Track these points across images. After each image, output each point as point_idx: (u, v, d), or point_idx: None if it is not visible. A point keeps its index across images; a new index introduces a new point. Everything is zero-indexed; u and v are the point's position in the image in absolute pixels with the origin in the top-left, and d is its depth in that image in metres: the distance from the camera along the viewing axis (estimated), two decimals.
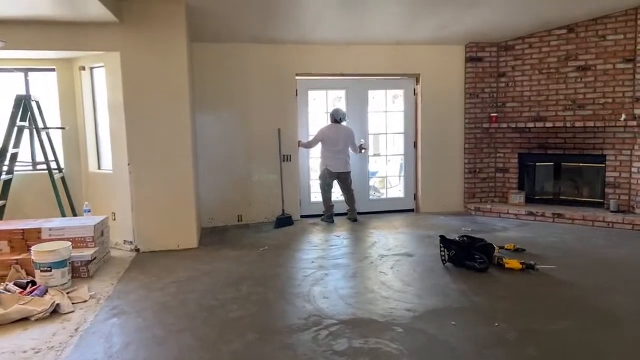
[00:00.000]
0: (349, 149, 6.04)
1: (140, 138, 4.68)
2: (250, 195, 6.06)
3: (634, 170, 5.62)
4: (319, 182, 6.10)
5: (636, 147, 5.57)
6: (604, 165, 5.87)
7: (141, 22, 4.55)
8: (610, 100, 5.74)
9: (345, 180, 6.03)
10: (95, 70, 5.10)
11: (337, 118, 5.96)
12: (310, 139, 6.17)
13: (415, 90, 6.58)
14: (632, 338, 2.73)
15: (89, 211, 4.88)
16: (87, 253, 4.03)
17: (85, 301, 3.45)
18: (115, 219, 4.93)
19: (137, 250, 4.77)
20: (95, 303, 3.43)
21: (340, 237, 5.34)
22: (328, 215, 6.05)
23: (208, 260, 4.46)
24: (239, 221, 6.05)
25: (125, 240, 4.86)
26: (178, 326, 3.00)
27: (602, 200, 5.94)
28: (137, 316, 3.17)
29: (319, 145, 6.03)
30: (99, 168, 5.29)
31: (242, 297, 3.47)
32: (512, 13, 5.49)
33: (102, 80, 4.94)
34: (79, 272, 3.97)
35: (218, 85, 5.83)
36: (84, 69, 5.09)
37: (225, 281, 3.84)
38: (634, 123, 5.48)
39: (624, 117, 5.55)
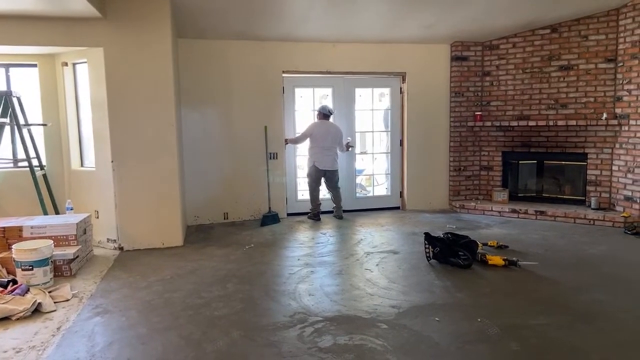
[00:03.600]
0: (337, 148, 6.05)
1: (124, 135, 4.62)
2: (236, 192, 6.04)
3: (614, 168, 5.74)
4: (306, 179, 6.10)
5: (617, 146, 5.69)
6: (585, 163, 5.98)
7: (125, 17, 4.50)
8: (592, 99, 5.85)
9: (331, 178, 6.03)
10: (77, 66, 5.03)
11: (325, 113, 5.98)
12: (297, 135, 6.17)
13: (401, 88, 6.62)
14: (609, 334, 2.78)
15: (71, 209, 4.81)
16: (70, 251, 3.97)
17: (68, 300, 3.41)
18: (98, 217, 4.87)
19: (121, 249, 4.72)
20: (78, 302, 3.39)
21: (326, 234, 5.35)
22: (314, 213, 6.05)
23: (193, 258, 4.44)
24: (224, 219, 6.02)
25: (108, 239, 4.81)
26: (162, 324, 2.98)
27: (583, 198, 6.06)
28: (121, 315, 3.15)
29: (307, 143, 6.03)
30: (82, 165, 5.22)
31: (227, 295, 3.47)
32: (496, 13, 5.55)
33: (84, 76, 4.87)
34: (61, 270, 3.92)
35: (204, 81, 5.79)
36: (66, 64, 5.01)
37: (210, 279, 3.83)
38: (615, 122, 5.59)
39: (605, 115, 5.66)
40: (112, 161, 4.62)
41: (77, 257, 4.05)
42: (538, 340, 2.69)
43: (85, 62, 4.81)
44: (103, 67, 4.52)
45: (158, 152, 4.72)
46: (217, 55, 5.82)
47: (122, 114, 4.60)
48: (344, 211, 6.25)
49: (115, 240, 4.74)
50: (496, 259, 4.01)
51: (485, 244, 4.54)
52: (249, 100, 5.97)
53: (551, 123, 5.96)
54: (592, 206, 5.81)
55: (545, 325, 2.88)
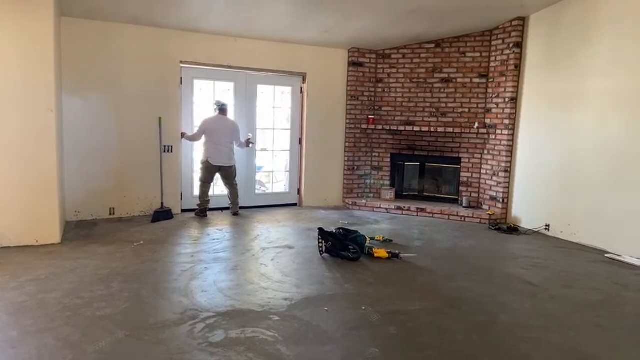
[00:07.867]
0: (234, 144, 5.99)
1: None
2: (125, 186, 5.69)
3: (482, 171, 6.52)
4: (198, 174, 5.95)
5: (485, 152, 6.47)
6: (459, 167, 6.71)
7: None
8: (466, 110, 6.57)
9: (228, 174, 5.96)
10: None
11: (217, 107, 5.89)
12: (195, 130, 5.99)
13: (302, 88, 6.78)
14: (472, 316, 3.19)
15: None
16: None
17: None
18: None
19: None
20: None
21: (222, 230, 5.30)
22: (201, 210, 5.92)
23: (72, 256, 4.11)
24: (110, 214, 5.65)
25: None
26: (36, 327, 2.73)
27: (457, 197, 6.79)
28: None
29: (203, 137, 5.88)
30: None
31: (111, 294, 3.28)
32: (387, 25, 5.95)
33: None
34: None
35: (91, 66, 5.37)
36: None
37: (92, 278, 3.58)
38: (484, 131, 6.35)
39: (476, 125, 6.40)
40: None
41: None
42: (413, 324, 2.99)
43: None
44: None
45: (34, 139, 4.27)
46: (108, 39, 5.42)
47: None
48: (242, 207, 6.23)
49: None
50: (381, 252, 4.34)
51: (372, 238, 4.88)
52: (143, 89, 5.67)
53: (432, 129, 6.58)
54: (464, 205, 6.55)
55: (420, 311, 3.21)
